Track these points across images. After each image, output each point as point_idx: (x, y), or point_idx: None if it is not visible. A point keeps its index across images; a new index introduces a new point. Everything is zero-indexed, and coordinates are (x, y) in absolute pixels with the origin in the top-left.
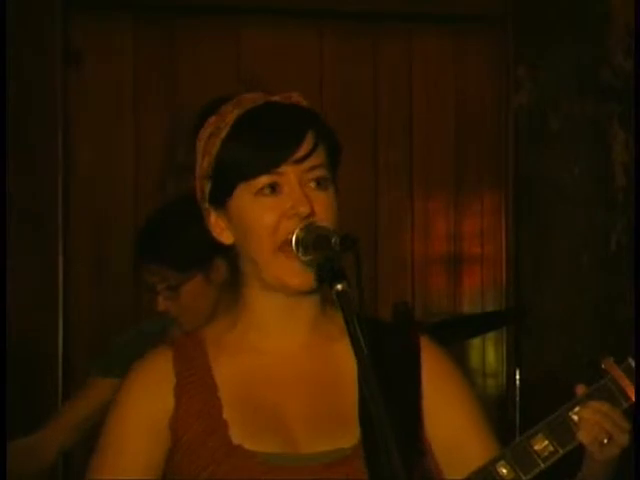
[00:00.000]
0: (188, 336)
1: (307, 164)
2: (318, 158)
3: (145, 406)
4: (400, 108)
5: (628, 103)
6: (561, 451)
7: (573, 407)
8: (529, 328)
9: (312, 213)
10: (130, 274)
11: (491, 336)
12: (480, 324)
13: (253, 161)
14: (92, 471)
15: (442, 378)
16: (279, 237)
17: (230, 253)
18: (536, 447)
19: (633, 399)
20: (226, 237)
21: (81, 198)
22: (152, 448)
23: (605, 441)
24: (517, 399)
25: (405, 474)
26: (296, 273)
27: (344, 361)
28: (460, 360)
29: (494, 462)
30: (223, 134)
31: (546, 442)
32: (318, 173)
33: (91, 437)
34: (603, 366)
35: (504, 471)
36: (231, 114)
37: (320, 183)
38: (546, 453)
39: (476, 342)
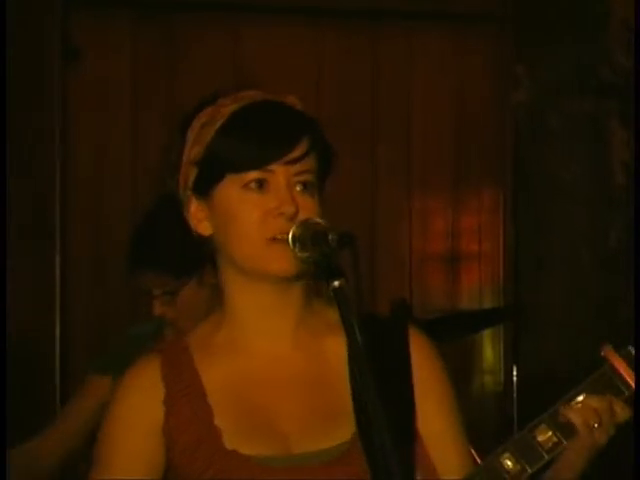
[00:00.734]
0: (174, 342)
1: (297, 167)
2: (309, 164)
3: (136, 415)
4: (399, 106)
5: (628, 101)
6: (565, 442)
7: (575, 396)
8: (527, 325)
9: (297, 213)
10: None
11: (489, 333)
12: (478, 321)
13: (246, 154)
14: (93, 475)
15: (427, 378)
16: (263, 234)
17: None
18: (540, 439)
19: (632, 385)
20: (204, 228)
21: (79, 197)
22: (148, 452)
23: (595, 425)
24: (515, 396)
25: (399, 463)
26: (280, 259)
27: (333, 356)
28: (458, 357)
29: (499, 455)
30: (218, 124)
31: (549, 433)
32: (306, 177)
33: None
34: (602, 354)
35: (509, 463)
36: (228, 107)
37: (307, 187)
38: (550, 444)
39: (474, 339)
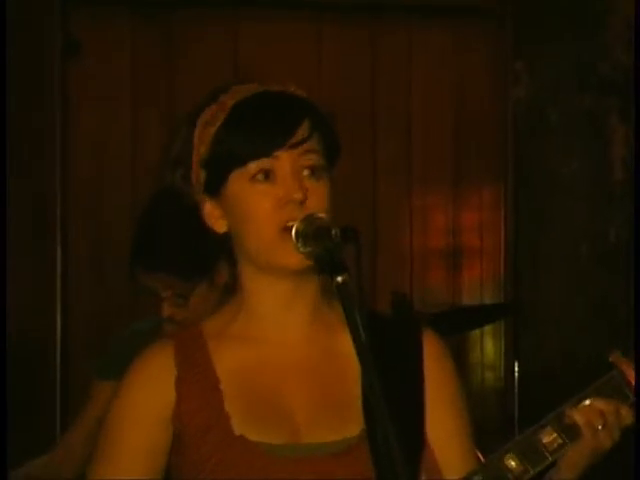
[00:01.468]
0: (188, 329)
1: (301, 150)
2: (313, 145)
3: (147, 399)
4: (399, 102)
5: (627, 97)
6: (569, 444)
7: (582, 400)
8: (528, 321)
9: (305, 199)
10: (125, 265)
11: (490, 329)
12: (479, 317)
13: (246, 147)
14: (95, 463)
15: (440, 381)
16: (276, 224)
17: (227, 246)
18: (544, 440)
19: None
20: (220, 226)
21: (79, 196)
22: (155, 439)
23: (599, 427)
24: (516, 391)
25: (404, 464)
26: (293, 253)
27: (346, 350)
28: (459, 352)
29: (502, 454)
30: (219, 122)
31: (555, 435)
32: (313, 159)
33: None
34: (610, 359)
35: (512, 464)
36: (228, 103)
37: (314, 172)
38: (555, 446)
39: (475, 334)
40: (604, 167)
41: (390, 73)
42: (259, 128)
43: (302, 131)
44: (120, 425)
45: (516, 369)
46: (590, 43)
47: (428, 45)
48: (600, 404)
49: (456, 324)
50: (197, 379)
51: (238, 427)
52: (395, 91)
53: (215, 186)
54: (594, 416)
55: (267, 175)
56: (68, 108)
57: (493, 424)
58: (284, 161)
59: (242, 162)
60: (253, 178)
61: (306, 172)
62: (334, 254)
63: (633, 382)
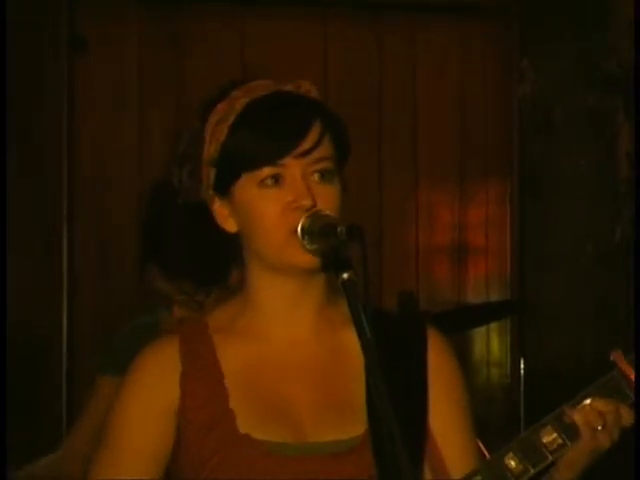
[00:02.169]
0: (193, 324)
1: (312, 157)
2: (324, 150)
3: (151, 394)
4: (405, 99)
5: (632, 94)
6: (570, 444)
7: (582, 400)
8: (533, 318)
9: (314, 206)
10: (132, 267)
11: (495, 326)
12: (484, 314)
13: (257, 152)
14: (99, 457)
15: (445, 375)
16: (284, 228)
17: (237, 245)
18: (544, 440)
19: None
20: (230, 225)
21: (85, 194)
22: (159, 434)
23: (598, 427)
24: (521, 388)
25: (410, 463)
26: (302, 253)
27: (351, 349)
28: (465, 349)
29: (503, 454)
30: (230, 121)
31: (555, 434)
32: (322, 164)
33: None
34: (612, 358)
35: (512, 463)
36: (240, 101)
37: (324, 176)
38: (555, 446)
39: (481, 332)
40: (609, 165)
41: (396, 71)
42: (270, 133)
43: (312, 137)
44: (124, 420)
45: (522, 366)
46: (595, 41)
47: (433, 43)
48: (600, 404)
49: (462, 322)
50: (202, 375)
51: (243, 425)
52: (401, 89)
53: (224, 186)
54: (593, 416)
55: (276, 180)
56: (74, 106)
57: (499, 420)
58: (294, 167)
59: (252, 166)
60: (262, 182)
61: (316, 176)
62: (340, 251)
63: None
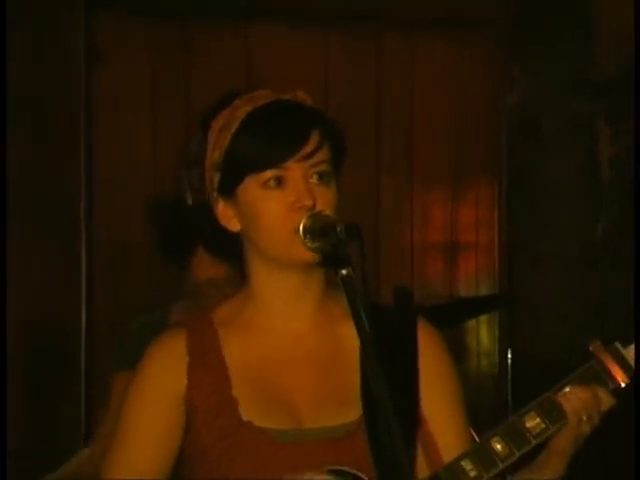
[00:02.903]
0: (199, 318)
1: (311, 161)
2: (322, 155)
3: (161, 384)
4: (402, 106)
5: (614, 101)
6: (552, 428)
7: (563, 387)
8: (520, 311)
9: (314, 206)
10: (146, 259)
11: (485, 318)
12: (475, 307)
13: (261, 155)
14: (115, 440)
15: (435, 368)
16: (287, 227)
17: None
18: (528, 425)
19: (619, 380)
20: (233, 225)
21: (103, 194)
22: (168, 422)
23: (584, 417)
24: (509, 377)
25: (404, 447)
26: (304, 251)
27: (347, 341)
28: (456, 340)
29: (489, 438)
30: (234, 128)
31: (537, 420)
32: (322, 166)
33: None
34: (590, 349)
35: (499, 447)
36: (242, 109)
37: (322, 177)
38: (537, 430)
39: (471, 324)
40: (592, 168)
41: (393, 79)
42: (273, 138)
43: (312, 143)
44: (137, 405)
45: (509, 356)
46: (579, 51)
47: (430, 53)
48: (580, 392)
49: (453, 315)
50: (207, 366)
51: (245, 413)
52: (398, 96)
53: (229, 188)
54: (578, 404)
55: (279, 182)
56: (91, 111)
57: (488, 407)
58: (295, 170)
59: (256, 169)
60: (265, 184)
61: (315, 178)
62: (339, 249)
63: (614, 372)
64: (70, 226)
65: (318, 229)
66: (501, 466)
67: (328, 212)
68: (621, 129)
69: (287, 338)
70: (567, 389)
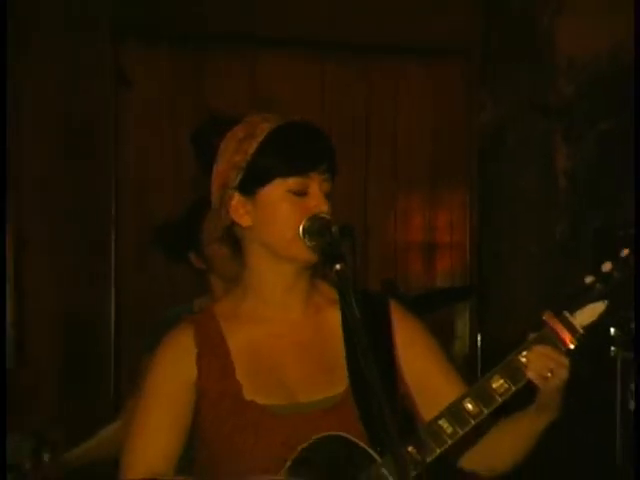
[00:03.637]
0: (204, 313)
1: (325, 175)
2: (330, 172)
3: (173, 374)
4: (387, 123)
5: (569, 121)
6: (514, 388)
7: (521, 351)
8: (489, 301)
9: (328, 211)
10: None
11: (458, 306)
12: (449, 297)
13: (290, 164)
14: (135, 415)
15: (410, 333)
16: (297, 228)
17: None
18: (494, 385)
19: (568, 342)
20: (245, 220)
21: (129, 198)
22: (180, 399)
23: (548, 374)
24: (479, 356)
25: (390, 413)
26: (306, 249)
27: (332, 326)
28: (434, 325)
29: (461, 400)
30: (261, 137)
31: (501, 381)
32: (329, 181)
33: None
34: (543, 318)
35: (470, 406)
36: (261, 125)
37: (329, 189)
38: (502, 390)
39: (447, 311)
40: (550, 178)
41: (380, 101)
42: (301, 151)
43: (329, 161)
44: (152, 393)
45: (479, 339)
46: (539, 78)
47: (411, 79)
48: (539, 348)
49: (432, 303)
50: (213, 355)
51: (248, 393)
52: (384, 115)
53: (251, 187)
54: (535, 361)
55: (300, 189)
56: (120, 127)
57: None
58: (315, 180)
59: (284, 175)
60: (289, 189)
61: (324, 188)
62: (334, 246)
63: (563, 336)
64: (102, 226)
65: (316, 229)
66: (473, 422)
67: (328, 216)
68: (576, 145)
69: (281, 325)
70: (525, 352)
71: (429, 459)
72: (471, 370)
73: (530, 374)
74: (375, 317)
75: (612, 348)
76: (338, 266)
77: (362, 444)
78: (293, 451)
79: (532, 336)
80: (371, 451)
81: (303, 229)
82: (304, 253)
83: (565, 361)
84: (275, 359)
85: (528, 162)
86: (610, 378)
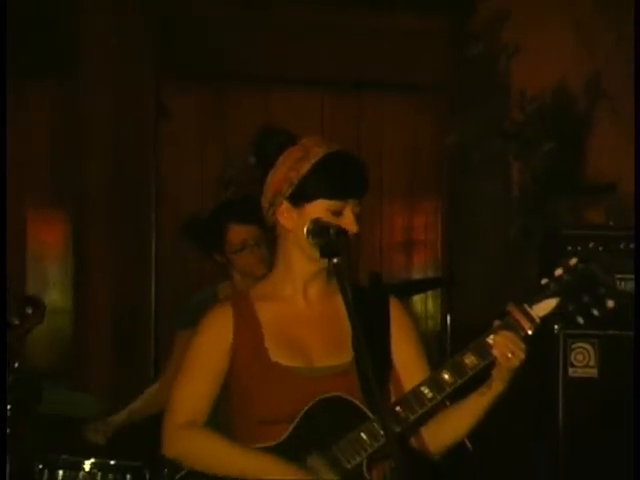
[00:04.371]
0: (241, 294)
1: (358, 201)
2: (362, 198)
3: (215, 339)
4: (375, 145)
5: (522, 143)
6: (482, 363)
7: (489, 334)
8: (456, 288)
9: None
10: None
11: (431, 293)
12: (424, 285)
13: (336, 188)
14: (180, 375)
15: (403, 326)
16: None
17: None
18: (466, 361)
19: (526, 329)
20: (289, 223)
21: (167, 207)
22: (219, 364)
23: (509, 355)
24: (448, 334)
25: (377, 380)
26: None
27: (339, 308)
28: (411, 308)
29: (439, 371)
30: (313, 161)
31: (472, 357)
32: (358, 208)
33: None
34: (507, 308)
35: (446, 377)
36: (315, 149)
37: (357, 215)
38: (472, 365)
39: (421, 296)
40: (506, 189)
41: (369, 127)
42: (346, 178)
43: (364, 189)
44: (197, 352)
45: (448, 320)
46: (497, 106)
47: (395, 108)
48: (501, 335)
49: (409, 290)
50: (247, 326)
51: (274, 356)
52: (372, 138)
53: (299, 200)
54: (501, 343)
55: (338, 210)
56: (158, 150)
57: (433, 358)
58: (349, 204)
59: (328, 197)
60: (328, 209)
61: (355, 211)
62: (332, 244)
63: (523, 324)
64: (144, 229)
65: (317, 231)
66: (448, 390)
67: (329, 220)
68: (526, 162)
69: (302, 305)
70: (492, 336)
71: (412, 418)
72: (442, 347)
73: (495, 353)
74: (376, 308)
75: (555, 326)
76: (335, 260)
77: (359, 403)
78: (309, 403)
79: (497, 323)
80: (366, 409)
81: (307, 230)
82: (310, 251)
83: (523, 345)
84: (296, 331)
85: (488, 175)
86: (553, 351)
